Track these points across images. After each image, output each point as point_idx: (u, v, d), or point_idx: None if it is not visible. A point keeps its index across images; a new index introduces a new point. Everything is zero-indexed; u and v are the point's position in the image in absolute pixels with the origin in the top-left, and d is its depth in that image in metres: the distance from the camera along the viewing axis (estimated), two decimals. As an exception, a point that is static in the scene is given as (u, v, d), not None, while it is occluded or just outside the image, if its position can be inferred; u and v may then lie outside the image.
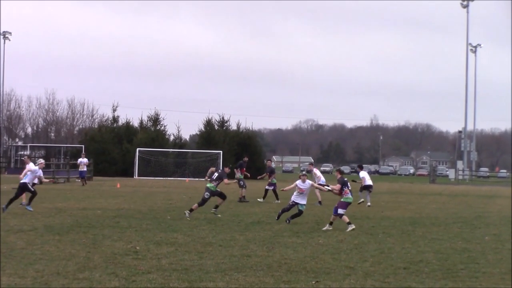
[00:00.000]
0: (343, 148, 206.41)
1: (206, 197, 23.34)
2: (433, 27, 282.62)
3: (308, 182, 22.68)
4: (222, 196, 23.81)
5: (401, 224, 22.62)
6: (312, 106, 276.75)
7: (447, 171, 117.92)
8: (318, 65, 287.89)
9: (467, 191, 52.40)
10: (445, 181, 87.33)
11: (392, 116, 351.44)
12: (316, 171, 32.08)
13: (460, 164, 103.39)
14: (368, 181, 31.70)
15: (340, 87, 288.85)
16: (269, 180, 33.36)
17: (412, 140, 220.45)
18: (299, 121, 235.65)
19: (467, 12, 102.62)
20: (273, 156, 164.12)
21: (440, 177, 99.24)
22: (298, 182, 22.46)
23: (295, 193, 22.50)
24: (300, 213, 22.25)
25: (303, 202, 22.36)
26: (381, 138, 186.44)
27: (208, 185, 23.65)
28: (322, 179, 31.08)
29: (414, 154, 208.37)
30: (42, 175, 25.49)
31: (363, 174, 32.44)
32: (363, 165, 40.22)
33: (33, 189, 24.21)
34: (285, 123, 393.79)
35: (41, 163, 25.75)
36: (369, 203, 30.86)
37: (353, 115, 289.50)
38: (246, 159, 34.92)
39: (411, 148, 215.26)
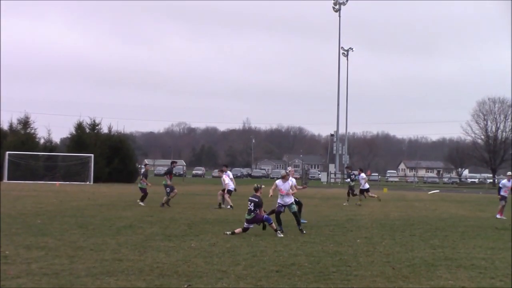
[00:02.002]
0: (216, 151, 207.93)
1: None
2: (307, 31, 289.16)
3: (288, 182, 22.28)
4: None
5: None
6: (184, 109, 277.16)
7: (319, 174, 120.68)
8: (191, 68, 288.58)
9: (339, 194, 53.71)
10: (317, 184, 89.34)
11: (265, 119, 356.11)
12: (225, 177, 32.65)
13: (332, 167, 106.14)
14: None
15: (213, 90, 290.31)
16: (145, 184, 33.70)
17: (285, 143, 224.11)
18: (171, 124, 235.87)
19: (339, 16, 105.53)
20: (145, 160, 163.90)
21: (313, 180, 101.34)
22: (278, 182, 22.25)
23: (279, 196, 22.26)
24: (294, 214, 22.00)
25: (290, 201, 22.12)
26: (254, 141, 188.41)
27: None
28: (231, 185, 31.95)
29: (287, 157, 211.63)
30: None
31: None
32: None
33: None
34: (157, 126, 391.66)
35: None
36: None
37: (226, 118, 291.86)
38: (175, 164, 35.61)
39: (284, 151, 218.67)
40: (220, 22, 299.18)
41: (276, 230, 20.60)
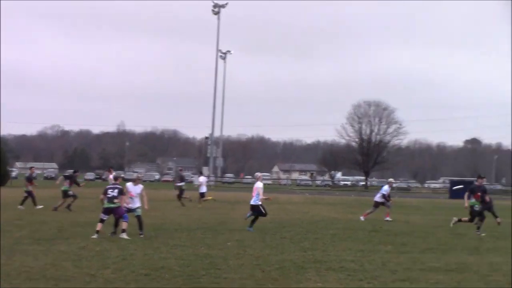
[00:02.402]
0: (89, 154, 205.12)
1: None
2: (185, 34, 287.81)
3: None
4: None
5: (144, 231, 22.79)
6: (58, 111, 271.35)
7: (192, 177, 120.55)
8: (64, 70, 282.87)
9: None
10: (190, 187, 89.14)
11: (140, 122, 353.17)
12: (201, 178, 33.98)
13: (206, 170, 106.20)
14: None
15: (87, 93, 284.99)
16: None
17: (159, 146, 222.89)
18: (44, 127, 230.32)
19: (218, 19, 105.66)
20: (17, 163, 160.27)
21: (185, 183, 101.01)
22: (128, 185, 22.09)
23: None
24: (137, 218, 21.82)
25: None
26: (127, 144, 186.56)
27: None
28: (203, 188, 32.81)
29: (160, 160, 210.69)
30: None
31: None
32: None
33: None
34: (30, 129, 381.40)
35: None
36: None
37: (100, 121, 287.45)
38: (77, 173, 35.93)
39: (158, 154, 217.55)
40: (95, 23, 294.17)
41: (121, 231, 20.47)
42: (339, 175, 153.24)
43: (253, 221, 24.98)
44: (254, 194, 25.14)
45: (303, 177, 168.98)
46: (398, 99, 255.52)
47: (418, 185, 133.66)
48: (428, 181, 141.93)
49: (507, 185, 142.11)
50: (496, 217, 28.63)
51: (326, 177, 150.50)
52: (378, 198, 32.38)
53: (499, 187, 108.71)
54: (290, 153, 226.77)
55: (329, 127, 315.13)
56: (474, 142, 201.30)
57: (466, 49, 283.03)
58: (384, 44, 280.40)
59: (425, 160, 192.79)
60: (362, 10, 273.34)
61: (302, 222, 29.40)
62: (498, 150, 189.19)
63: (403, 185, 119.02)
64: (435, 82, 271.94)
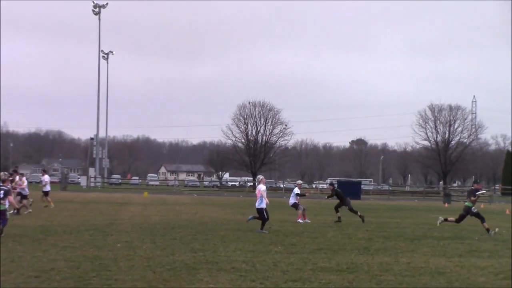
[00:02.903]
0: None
1: None
2: (67, 34, 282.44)
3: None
4: None
5: (32, 233, 22.52)
6: None
7: (79, 178, 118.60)
8: None
9: (99, 198, 53.23)
10: (77, 188, 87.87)
11: (23, 123, 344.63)
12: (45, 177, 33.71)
13: (92, 171, 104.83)
14: None
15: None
16: None
17: (44, 147, 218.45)
18: None
19: (99, 19, 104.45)
20: None
21: (72, 184, 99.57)
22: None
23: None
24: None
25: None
26: (12, 145, 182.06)
27: None
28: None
29: (46, 161, 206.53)
30: None
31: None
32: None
33: None
34: None
35: None
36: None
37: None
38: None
39: (43, 156, 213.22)
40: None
41: None
42: (226, 176, 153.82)
43: (263, 224, 25.67)
44: (258, 197, 25.77)
45: (191, 178, 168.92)
46: (284, 100, 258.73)
47: (306, 185, 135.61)
48: (315, 182, 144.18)
49: (394, 185, 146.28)
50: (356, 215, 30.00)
51: (214, 178, 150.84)
52: (293, 199, 32.58)
53: (386, 187, 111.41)
54: (177, 154, 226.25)
55: (216, 128, 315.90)
56: (360, 143, 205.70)
57: (353, 50, 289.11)
58: (270, 45, 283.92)
59: (312, 161, 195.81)
60: (247, 11, 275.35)
61: (192, 223, 29.39)
62: (383, 150, 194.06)
63: (291, 185, 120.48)
64: (321, 83, 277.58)
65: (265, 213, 25.41)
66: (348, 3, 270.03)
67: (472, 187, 27.63)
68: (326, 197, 35.31)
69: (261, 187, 25.74)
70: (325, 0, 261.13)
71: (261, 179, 26.45)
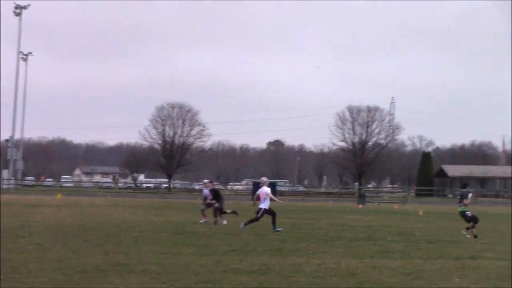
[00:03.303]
0: None
1: None
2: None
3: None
4: None
5: None
6: None
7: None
8: None
9: (12, 200, 52.25)
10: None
11: None
12: None
13: (5, 173, 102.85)
14: None
15: None
16: None
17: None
18: None
19: (20, 20, 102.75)
20: None
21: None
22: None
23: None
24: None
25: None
26: None
27: None
28: None
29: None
30: None
31: None
32: None
33: None
34: None
35: None
36: None
37: None
38: None
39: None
40: None
41: None
42: (142, 177, 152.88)
43: (273, 222, 26.66)
44: (262, 199, 26.45)
45: (106, 179, 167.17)
46: (202, 101, 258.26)
47: (222, 187, 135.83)
48: (231, 183, 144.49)
49: (310, 186, 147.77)
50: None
51: (129, 179, 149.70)
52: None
53: (301, 188, 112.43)
54: (92, 156, 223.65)
55: (133, 129, 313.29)
56: (277, 144, 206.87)
57: (271, 51, 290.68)
58: (188, 46, 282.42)
59: (229, 162, 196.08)
60: (166, 12, 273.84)
61: (105, 225, 29.15)
62: (300, 152, 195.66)
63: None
64: (239, 85, 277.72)
65: (260, 214, 26.31)
66: (269, 4, 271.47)
67: (464, 190, 27.70)
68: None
69: (266, 190, 26.45)
70: (246, 0, 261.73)
71: (265, 181, 27.32)
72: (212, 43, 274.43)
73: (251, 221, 26.48)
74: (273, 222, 26.64)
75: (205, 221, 31.83)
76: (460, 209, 26.84)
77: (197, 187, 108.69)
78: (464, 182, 29.69)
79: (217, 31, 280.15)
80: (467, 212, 26.50)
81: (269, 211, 26.50)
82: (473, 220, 26.40)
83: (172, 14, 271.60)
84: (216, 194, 32.41)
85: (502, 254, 20.64)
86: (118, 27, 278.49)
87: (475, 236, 25.96)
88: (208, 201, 32.28)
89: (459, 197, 27.66)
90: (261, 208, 26.34)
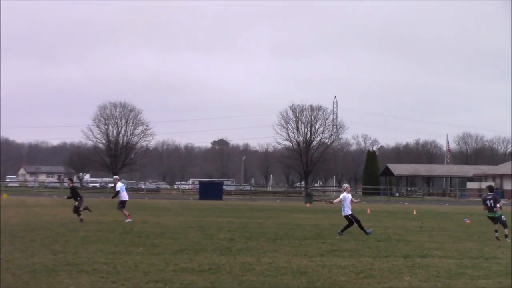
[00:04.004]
0: None
1: None
2: None
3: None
4: None
5: None
6: None
7: None
8: None
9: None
10: None
11: None
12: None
13: None
14: None
15: None
16: None
17: None
18: None
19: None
20: None
21: None
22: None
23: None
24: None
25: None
26: None
27: None
28: None
29: None
30: None
31: None
32: None
33: None
34: None
35: None
36: None
37: None
38: None
39: None
40: None
41: None
42: (87, 177, 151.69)
43: (346, 227, 26.49)
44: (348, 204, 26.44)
45: (51, 179, 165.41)
46: (145, 100, 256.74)
47: (168, 186, 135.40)
48: (177, 182, 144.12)
49: (256, 185, 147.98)
50: None
51: (75, 179, 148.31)
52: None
53: (248, 187, 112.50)
54: (36, 156, 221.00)
55: (76, 129, 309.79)
56: (221, 143, 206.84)
57: (215, 51, 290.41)
58: (131, 46, 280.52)
59: (174, 162, 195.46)
60: (108, 12, 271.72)
61: (52, 224, 28.87)
62: (245, 151, 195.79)
63: (153, 186, 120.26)
64: (183, 84, 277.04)
65: (350, 219, 26.47)
66: (210, 4, 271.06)
67: (491, 193, 26.22)
68: (65, 196, 34.97)
69: (345, 196, 26.41)
70: (186, 0, 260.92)
71: (346, 187, 27.39)
72: (154, 43, 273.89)
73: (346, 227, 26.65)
74: (346, 227, 26.67)
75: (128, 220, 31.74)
76: (496, 214, 25.71)
77: (143, 186, 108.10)
78: (490, 184, 27.65)
79: (159, 31, 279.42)
80: (503, 217, 25.88)
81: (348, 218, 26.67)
82: (505, 224, 25.82)
83: (114, 14, 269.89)
84: (74, 192, 32.27)
85: (450, 252, 20.94)
86: (61, 26, 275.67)
87: (505, 236, 25.49)
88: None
89: (490, 200, 25.83)
90: (346, 216, 26.54)
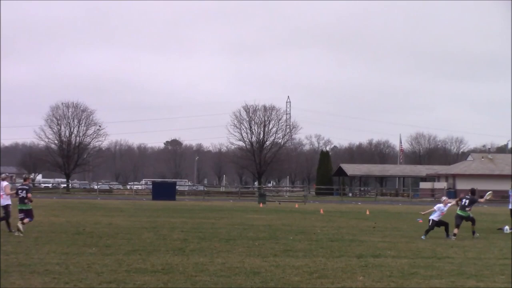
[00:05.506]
0: None
1: None
2: None
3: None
4: None
5: None
6: None
7: None
8: None
9: None
10: None
11: None
12: None
13: None
14: None
15: None
16: None
17: None
18: None
19: None
20: None
21: None
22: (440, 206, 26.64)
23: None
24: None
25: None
26: None
27: None
28: None
29: None
30: None
31: None
32: None
33: None
34: None
35: None
36: None
37: None
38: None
39: None
40: None
41: None
42: (39, 177, 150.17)
43: (446, 229, 26.74)
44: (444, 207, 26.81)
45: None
46: (97, 101, 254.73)
47: (121, 187, 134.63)
48: (130, 183, 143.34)
49: (209, 185, 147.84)
50: None
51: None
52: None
53: (201, 187, 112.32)
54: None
55: (28, 129, 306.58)
56: (174, 143, 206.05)
57: (168, 50, 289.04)
58: (83, 45, 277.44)
59: (127, 162, 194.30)
60: (60, 10, 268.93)
61: (3, 225, 28.48)
62: (198, 151, 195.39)
63: (105, 187, 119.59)
64: (135, 84, 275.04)
65: (436, 223, 26.86)
66: (163, 3, 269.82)
67: (473, 195, 27.16)
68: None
69: (441, 207, 26.78)
70: (140, 0, 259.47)
71: (444, 199, 27.46)
72: (106, 41, 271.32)
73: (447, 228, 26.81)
74: (446, 229, 26.82)
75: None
76: (465, 214, 26.73)
77: (96, 187, 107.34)
78: (473, 188, 28.79)
79: (111, 29, 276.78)
80: (471, 215, 27.16)
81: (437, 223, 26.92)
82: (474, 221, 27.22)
83: (65, 11, 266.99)
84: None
85: (403, 252, 21.15)
86: (9, 24, 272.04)
87: (473, 233, 27.17)
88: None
89: (467, 200, 26.97)
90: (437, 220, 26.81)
